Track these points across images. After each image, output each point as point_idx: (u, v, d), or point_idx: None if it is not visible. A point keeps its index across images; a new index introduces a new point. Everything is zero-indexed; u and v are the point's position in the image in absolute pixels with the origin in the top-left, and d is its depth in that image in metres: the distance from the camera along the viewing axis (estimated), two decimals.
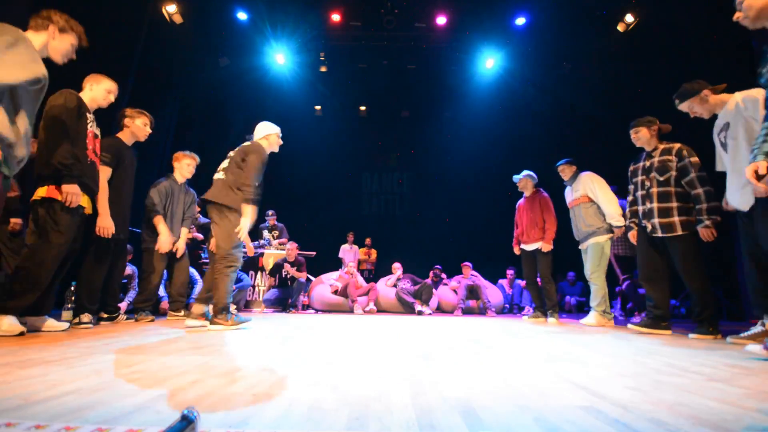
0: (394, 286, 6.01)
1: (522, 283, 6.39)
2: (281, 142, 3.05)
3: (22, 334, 1.98)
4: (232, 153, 2.79)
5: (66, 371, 1.15)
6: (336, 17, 6.83)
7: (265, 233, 6.20)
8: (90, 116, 2.44)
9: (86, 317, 2.63)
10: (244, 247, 3.18)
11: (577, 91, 7.30)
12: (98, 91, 2.51)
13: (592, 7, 6.31)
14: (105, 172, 2.76)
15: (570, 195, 4.02)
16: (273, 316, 4.31)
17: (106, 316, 3.00)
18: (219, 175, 2.71)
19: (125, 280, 4.34)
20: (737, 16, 1.82)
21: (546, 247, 4.16)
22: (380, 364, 1.39)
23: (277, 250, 5.92)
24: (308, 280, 6.17)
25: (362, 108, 9.04)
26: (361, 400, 0.90)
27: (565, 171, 4.05)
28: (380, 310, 5.88)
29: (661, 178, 2.84)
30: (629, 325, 3.39)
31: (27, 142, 1.70)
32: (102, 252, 2.79)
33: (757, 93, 2.17)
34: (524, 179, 4.42)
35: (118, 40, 4.82)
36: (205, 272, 3.11)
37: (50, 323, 2.29)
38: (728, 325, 3.99)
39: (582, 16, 6.42)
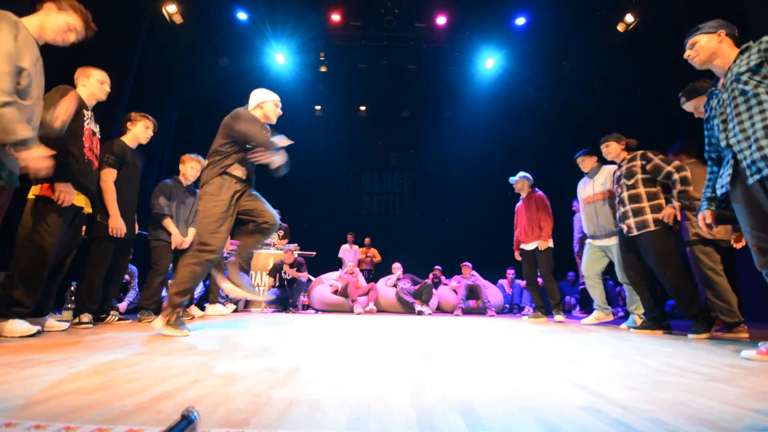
0: (394, 286, 6.01)
1: (522, 283, 6.39)
2: (280, 112, 2.80)
3: (37, 333, 1.99)
4: None
5: (66, 371, 1.15)
6: (336, 17, 6.83)
7: None
8: (87, 113, 2.41)
9: (86, 317, 2.62)
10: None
11: (577, 91, 7.30)
12: (92, 85, 2.45)
13: (592, 7, 6.30)
14: (110, 174, 2.78)
15: (589, 188, 3.77)
16: (273, 316, 4.32)
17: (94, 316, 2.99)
18: None
19: (125, 281, 4.34)
20: (687, 54, 1.93)
21: (543, 244, 4.15)
22: (380, 364, 1.39)
23: (276, 250, 5.92)
24: (308, 280, 6.18)
25: (362, 108, 9.03)
26: (362, 400, 0.90)
27: (585, 162, 3.83)
28: (380, 310, 5.88)
29: (629, 182, 3.02)
30: (623, 326, 3.41)
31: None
32: (103, 252, 2.78)
33: None
34: (520, 181, 4.43)
35: (118, 40, 4.81)
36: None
37: (51, 323, 2.29)
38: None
39: (582, 16, 6.42)
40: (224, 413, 0.79)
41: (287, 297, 5.42)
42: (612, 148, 3.25)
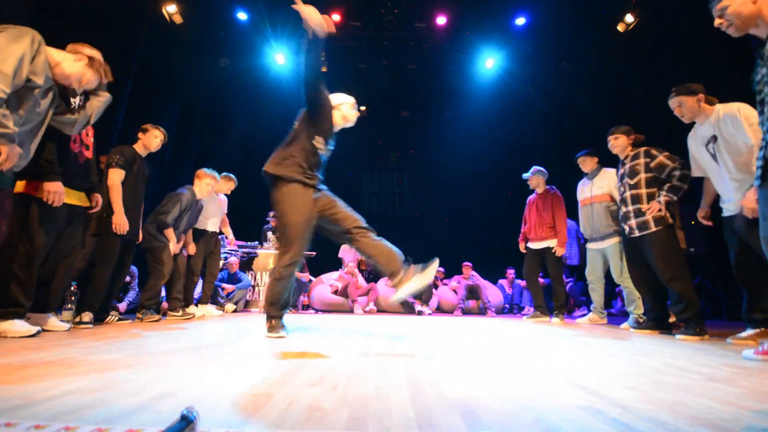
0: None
1: (522, 283, 6.39)
2: (357, 113, 2.67)
3: (37, 334, 1.98)
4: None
5: (66, 371, 1.15)
6: (336, 17, 6.82)
7: (269, 234, 6.20)
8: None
9: (87, 316, 2.62)
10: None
11: (577, 91, 7.29)
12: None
13: (592, 7, 6.30)
14: (118, 173, 2.85)
15: (587, 190, 3.80)
16: None
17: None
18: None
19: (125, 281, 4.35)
20: (719, 23, 1.73)
21: (560, 250, 4.10)
22: (380, 364, 1.39)
23: (276, 251, 5.91)
24: (309, 280, 6.18)
25: (362, 108, 9.01)
26: (361, 400, 0.90)
27: (586, 162, 3.83)
28: (380, 310, 5.88)
29: (632, 182, 2.96)
30: (623, 325, 3.42)
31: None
32: (110, 249, 2.78)
33: (737, 108, 2.21)
34: (535, 177, 4.33)
35: (118, 40, 4.81)
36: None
37: (53, 322, 2.29)
38: (729, 325, 3.98)
39: (582, 16, 6.41)
40: (224, 413, 0.79)
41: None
42: (620, 142, 3.12)
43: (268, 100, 7.99)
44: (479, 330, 2.95)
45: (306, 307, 5.93)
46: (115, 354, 1.49)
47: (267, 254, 5.86)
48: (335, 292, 5.83)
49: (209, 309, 4.15)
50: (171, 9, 5.96)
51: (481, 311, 5.90)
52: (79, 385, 0.98)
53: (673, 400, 0.94)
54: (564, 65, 7.23)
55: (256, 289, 5.72)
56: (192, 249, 3.94)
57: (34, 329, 1.98)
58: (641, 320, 3.35)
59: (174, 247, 3.51)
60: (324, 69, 8.40)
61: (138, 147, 3.09)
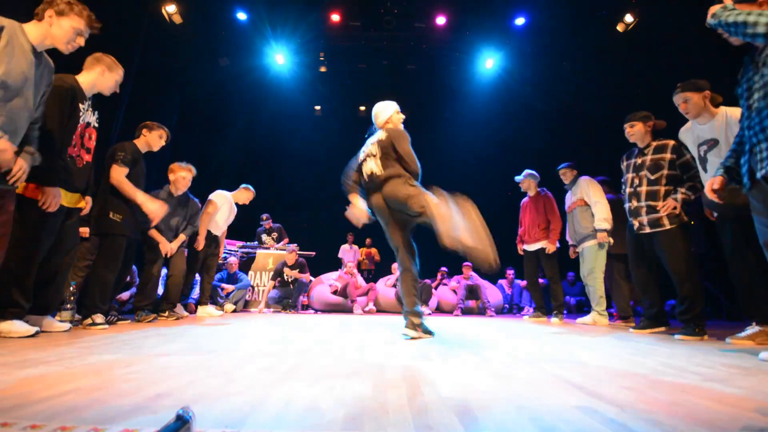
0: (394, 286, 6.01)
1: (522, 283, 6.40)
2: (402, 116, 2.75)
3: (36, 334, 1.98)
4: (371, 148, 2.53)
5: (64, 371, 1.15)
6: (335, 17, 6.83)
7: (264, 237, 6.20)
8: (83, 106, 2.28)
9: (99, 317, 2.59)
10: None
11: (576, 91, 7.30)
12: (110, 79, 2.37)
13: (592, 7, 6.30)
14: (121, 171, 2.77)
15: (570, 198, 4.09)
16: (272, 317, 4.32)
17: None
18: (376, 171, 2.39)
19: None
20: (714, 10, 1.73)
21: (550, 248, 4.19)
22: (378, 364, 1.39)
23: (276, 251, 5.92)
24: (309, 281, 6.18)
25: (362, 108, 9.03)
26: (358, 401, 0.90)
27: (566, 174, 4.08)
28: (380, 310, 5.88)
29: (652, 177, 2.79)
30: (578, 320, 3.51)
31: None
32: (116, 250, 2.75)
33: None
34: (526, 180, 4.42)
35: (117, 40, 4.80)
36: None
37: (51, 323, 2.28)
38: (728, 325, 3.98)
39: (581, 16, 6.42)
40: (220, 413, 0.79)
41: (287, 297, 5.42)
42: (636, 129, 2.90)
43: (268, 99, 8.00)
44: (478, 330, 2.95)
45: (306, 307, 5.93)
46: (113, 354, 1.49)
47: (266, 254, 5.87)
48: (335, 292, 5.83)
49: (209, 309, 4.15)
50: (171, 9, 5.96)
51: (481, 311, 5.90)
52: (76, 385, 0.98)
53: (670, 400, 0.94)
54: (563, 65, 7.23)
55: (256, 289, 5.72)
56: (200, 245, 3.92)
57: (33, 329, 1.97)
58: (601, 316, 3.67)
59: (166, 248, 3.45)
60: (323, 69, 8.34)
61: (140, 143, 3.01)
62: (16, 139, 1.79)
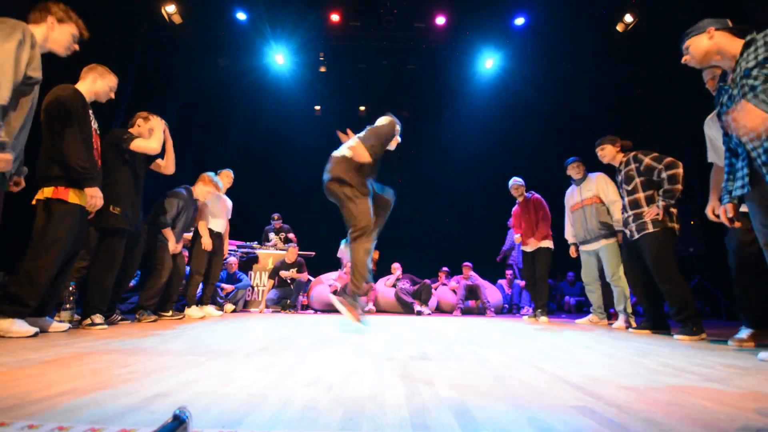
0: (394, 286, 6.02)
1: (521, 283, 6.40)
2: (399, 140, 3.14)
3: (36, 335, 1.98)
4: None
5: (62, 371, 1.15)
6: (335, 17, 6.83)
7: (272, 236, 6.20)
8: (90, 111, 2.40)
9: (98, 318, 2.58)
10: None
11: (576, 91, 7.30)
12: (102, 86, 2.44)
13: (592, 7, 6.30)
14: (138, 141, 2.78)
15: (577, 195, 3.94)
16: (272, 317, 4.32)
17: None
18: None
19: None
20: (684, 59, 1.95)
21: (534, 243, 4.29)
22: (376, 364, 1.39)
23: (276, 251, 5.92)
24: (308, 280, 6.18)
25: (362, 108, 9.03)
26: (356, 400, 0.90)
27: (577, 169, 3.97)
28: (379, 310, 5.88)
29: (629, 188, 3.01)
30: (614, 325, 3.48)
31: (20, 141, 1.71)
32: (115, 246, 2.73)
33: None
34: (521, 187, 4.59)
35: (117, 40, 4.82)
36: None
37: (50, 323, 2.28)
38: (728, 325, 3.98)
39: (581, 16, 6.42)
40: (218, 413, 0.79)
41: (287, 297, 5.42)
42: (607, 151, 3.22)
43: (268, 99, 8.00)
44: (477, 330, 2.95)
45: (305, 307, 5.93)
46: (111, 354, 1.49)
47: (266, 254, 5.86)
48: (334, 292, 5.83)
49: (209, 309, 4.14)
50: (170, 9, 5.96)
51: (481, 311, 5.90)
52: (74, 385, 0.98)
53: (668, 401, 0.94)
54: (563, 65, 7.23)
55: (256, 289, 5.72)
56: (208, 244, 3.91)
57: (33, 330, 1.97)
58: (632, 319, 3.50)
59: (173, 246, 3.50)
60: (323, 69, 8.35)
61: (133, 131, 2.97)
62: (23, 136, 1.84)
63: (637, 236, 2.90)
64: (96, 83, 2.43)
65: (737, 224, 1.92)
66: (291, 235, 6.22)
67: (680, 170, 2.77)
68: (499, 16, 6.75)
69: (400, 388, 1.03)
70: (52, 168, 2.16)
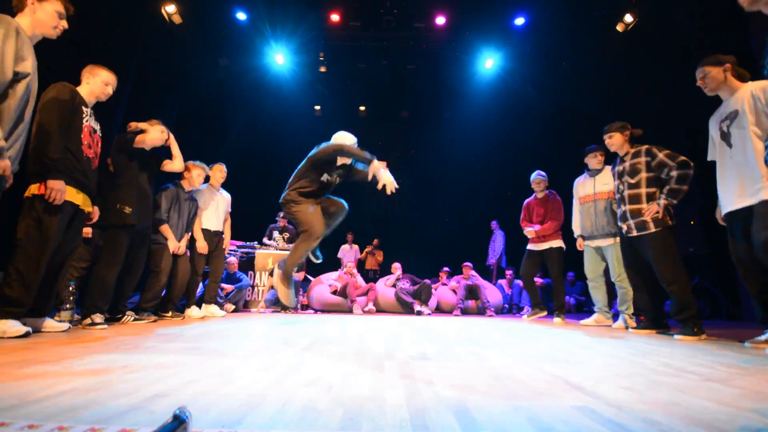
0: (393, 286, 6.02)
1: (521, 283, 6.40)
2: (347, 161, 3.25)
3: (27, 334, 1.96)
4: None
5: (62, 371, 1.15)
6: (335, 17, 6.83)
7: (276, 234, 6.20)
8: (87, 110, 2.38)
9: (99, 317, 2.57)
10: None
11: (576, 91, 7.30)
12: (95, 83, 2.44)
13: (592, 7, 6.30)
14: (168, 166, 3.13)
15: (589, 187, 3.73)
16: (271, 317, 4.32)
17: (108, 316, 2.97)
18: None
19: None
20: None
21: (530, 232, 4.17)
22: (376, 364, 1.39)
23: (276, 251, 5.92)
24: (306, 279, 6.18)
25: (362, 108, 9.03)
26: (356, 400, 0.90)
27: (597, 159, 3.74)
28: (379, 310, 5.88)
29: (632, 181, 2.90)
30: (614, 325, 3.42)
31: (16, 138, 1.71)
32: (117, 243, 2.72)
33: None
34: (543, 181, 4.34)
35: (117, 40, 4.81)
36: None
37: (50, 324, 2.28)
38: (728, 326, 3.98)
39: (581, 16, 6.41)
40: (218, 413, 0.79)
41: None
42: (615, 139, 3.07)
43: (268, 99, 8.00)
44: (477, 330, 2.95)
45: (305, 307, 5.93)
46: (111, 354, 1.49)
47: (266, 254, 5.86)
48: (334, 293, 5.83)
49: (212, 309, 4.12)
50: (170, 9, 5.96)
51: (481, 311, 5.90)
52: (74, 385, 0.98)
53: (668, 401, 0.94)
54: (563, 65, 7.23)
55: (256, 288, 5.72)
56: (203, 248, 3.86)
57: (24, 329, 1.95)
58: (631, 321, 3.37)
59: (174, 245, 3.46)
60: (323, 69, 8.35)
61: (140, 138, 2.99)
62: (23, 133, 1.83)
63: (636, 233, 2.85)
64: (89, 82, 2.44)
65: None
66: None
67: (691, 172, 2.69)
68: (499, 16, 6.75)
69: (400, 388, 1.03)
70: (38, 165, 2.12)
